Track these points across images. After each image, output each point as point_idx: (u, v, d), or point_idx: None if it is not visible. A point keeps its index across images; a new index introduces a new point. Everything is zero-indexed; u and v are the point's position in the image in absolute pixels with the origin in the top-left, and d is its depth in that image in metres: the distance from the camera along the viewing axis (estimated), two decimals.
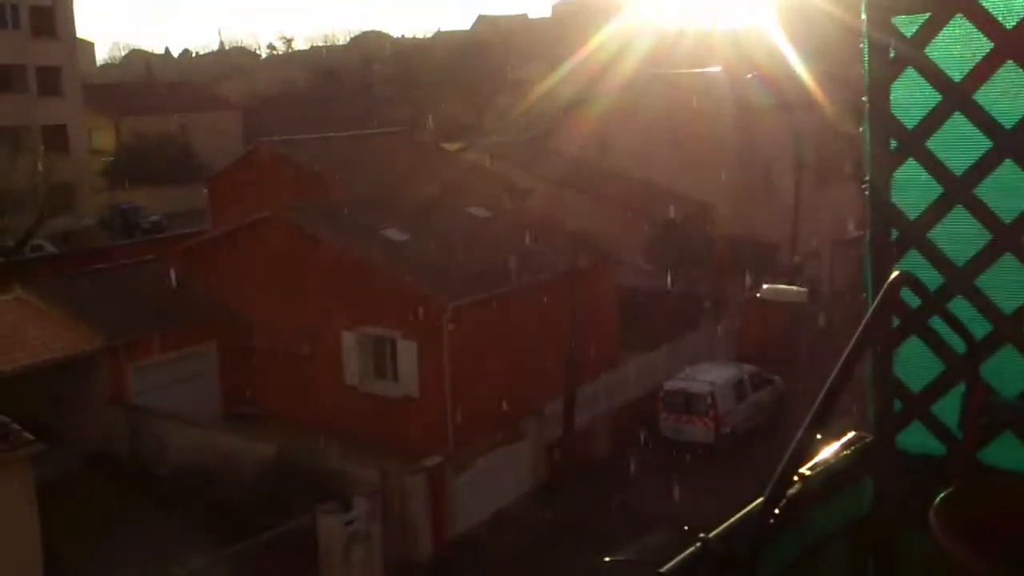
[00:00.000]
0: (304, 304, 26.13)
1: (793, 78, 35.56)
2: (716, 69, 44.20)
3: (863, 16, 2.93)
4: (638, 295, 31.17)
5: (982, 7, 2.76)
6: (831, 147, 36.16)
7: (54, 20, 55.65)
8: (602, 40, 58.72)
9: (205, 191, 39.89)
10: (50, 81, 55.05)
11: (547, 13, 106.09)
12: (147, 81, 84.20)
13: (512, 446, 24.24)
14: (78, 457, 23.48)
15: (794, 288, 26.22)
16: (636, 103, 38.17)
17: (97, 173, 56.03)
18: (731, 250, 33.71)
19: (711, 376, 27.14)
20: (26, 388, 22.27)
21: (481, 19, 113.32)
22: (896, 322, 3.04)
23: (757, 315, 31.21)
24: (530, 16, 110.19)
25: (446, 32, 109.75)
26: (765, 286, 25.10)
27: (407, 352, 25.11)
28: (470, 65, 77.50)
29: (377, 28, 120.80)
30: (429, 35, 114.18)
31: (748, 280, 30.53)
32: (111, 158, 60.00)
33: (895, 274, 2.60)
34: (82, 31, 66.71)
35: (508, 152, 41.01)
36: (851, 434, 3.29)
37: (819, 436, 2.18)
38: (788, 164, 35.58)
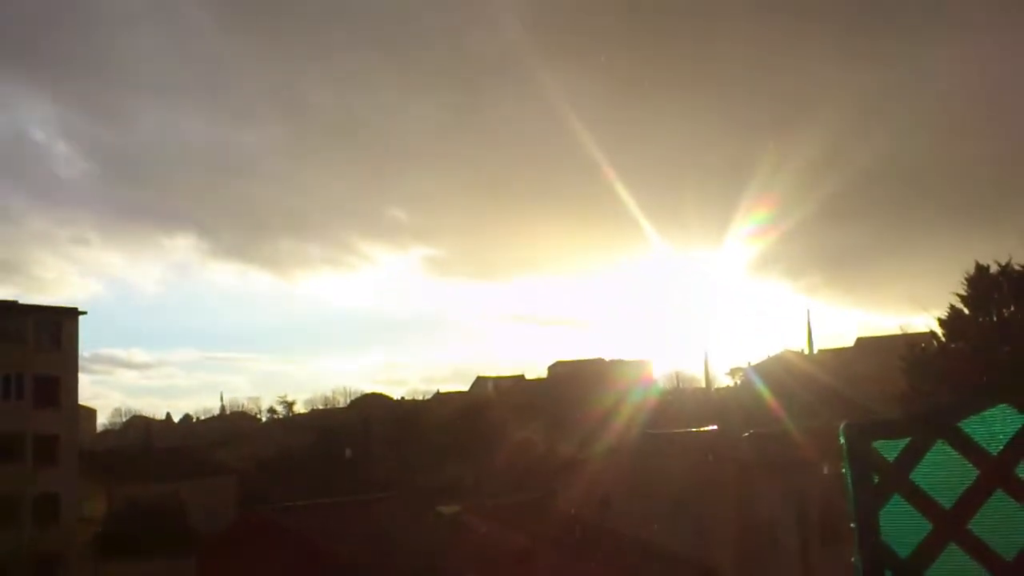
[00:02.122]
0: None
1: (787, 435, 35.68)
2: (712, 428, 44.56)
3: (842, 440, 2.78)
4: None
5: (964, 433, 2.67)
6: (834, 504, 35.47)
7: (58, 390, 56.62)
8: (598, 399, 59.89)
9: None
10: (47, 450, 54.95)
11: (543, 374, 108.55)
12: (144, 447, 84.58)
13: None
14: None
15: None
16: (635, 462, 38.02)
17: (86, 543, 54.45)
18: None
19: None
20: None
21: (479, 380, 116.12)
22: None
23: None
24: (527, 377, 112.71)
25: (445, 393, 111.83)
26: None
27: None
28: (469, 425, 78.15)
29: (377, 390, 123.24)
30: (428, 395, 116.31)
31: None
32: (99, 529, 58.59)
33: None
34: (85, 397, 69.05)
35: (506, 513, 40.13)
36: None
37: None
38: (791, 523, 34.70)
